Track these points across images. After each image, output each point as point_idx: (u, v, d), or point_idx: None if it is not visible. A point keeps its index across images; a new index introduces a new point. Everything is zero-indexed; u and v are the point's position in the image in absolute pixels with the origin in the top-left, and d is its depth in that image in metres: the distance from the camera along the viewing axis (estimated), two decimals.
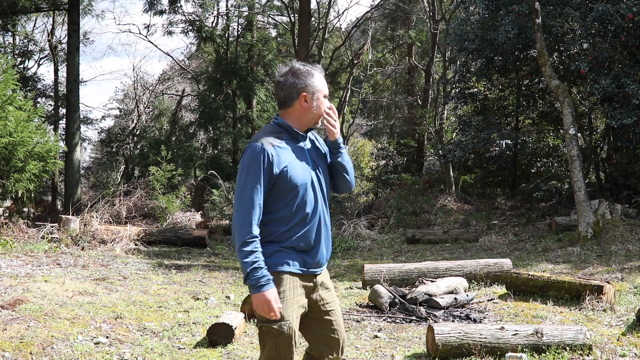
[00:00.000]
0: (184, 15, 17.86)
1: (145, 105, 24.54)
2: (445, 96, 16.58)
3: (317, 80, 2.58)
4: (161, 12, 17.26)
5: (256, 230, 2.43)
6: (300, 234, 2.51)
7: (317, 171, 2.61)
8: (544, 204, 12.65)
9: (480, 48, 12.85)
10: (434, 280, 6.53)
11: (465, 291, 6.30)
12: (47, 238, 9.34)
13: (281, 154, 2.48)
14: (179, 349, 4.51)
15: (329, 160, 2.72)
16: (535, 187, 13.74)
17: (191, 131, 19.95)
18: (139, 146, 21.30)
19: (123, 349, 4.41)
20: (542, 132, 14.70)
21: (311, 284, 2.59)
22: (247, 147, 2.50)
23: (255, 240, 2.42)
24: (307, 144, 2.64)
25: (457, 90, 15.27)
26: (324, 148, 2.73)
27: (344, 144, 2.76)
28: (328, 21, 19.40)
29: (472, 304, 5.99)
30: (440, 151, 15.54)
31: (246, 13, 18.78)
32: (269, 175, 2.45)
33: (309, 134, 2.66)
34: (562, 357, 4.11)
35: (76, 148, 14.39)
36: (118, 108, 27.59)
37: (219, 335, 4.58)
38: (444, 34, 16.35)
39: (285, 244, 2.50)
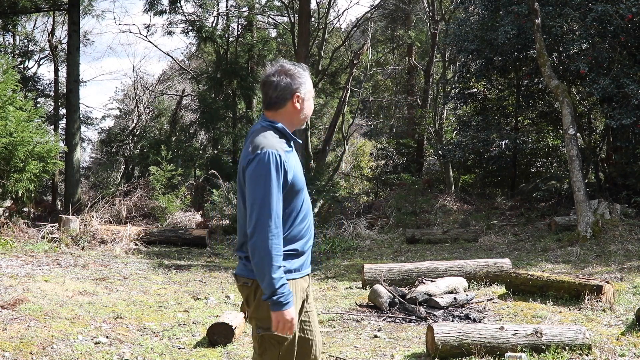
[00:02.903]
0: (184, 16, 17.87)
1: (145, 105, 24.54)
2: (445, 96, 16.59)
3: (309, 81, 2.58)
4: (161, 12, 17.26)
5: (282, 243, 2.35)
6: (305, 237, 2.51)
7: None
8: (544, 204, 12.66)
9: (479, 48, 12.87)
10: (433, 280, 6.55)
11: (464, 291, 6.31)
12: (47, 238, 9.34)
13: (290, 159, 2.45)
14: (179, 348, 4.52)
15: None
16: (534, 187, 13.74)
17: (191, 131, 19.97)
18: (139, 146, 21.30)
19: (123, 349, 4.42)
20: (541, 132, 14.71)
21: (306, 284, 2.57)
22: (262, 153, 2.35)
23: (282, 255, 2.34)
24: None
25: (456, 91, 15.28)
26: None
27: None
28: (328, 21, 19.40)
29: (472, 303, 6.01)
30: (440, 151, 15.54)
31: (246, 13, 18.79)
32: (285, 182, 2.40)
33: None
34: (561, 356, 4.12)
35: (76, 148, 14.39)
36: (118, 108, 27.60)
37: (219, 335, 4.59)
38: (443, 34, 16.35)
39: (288, 247, 2.43)
